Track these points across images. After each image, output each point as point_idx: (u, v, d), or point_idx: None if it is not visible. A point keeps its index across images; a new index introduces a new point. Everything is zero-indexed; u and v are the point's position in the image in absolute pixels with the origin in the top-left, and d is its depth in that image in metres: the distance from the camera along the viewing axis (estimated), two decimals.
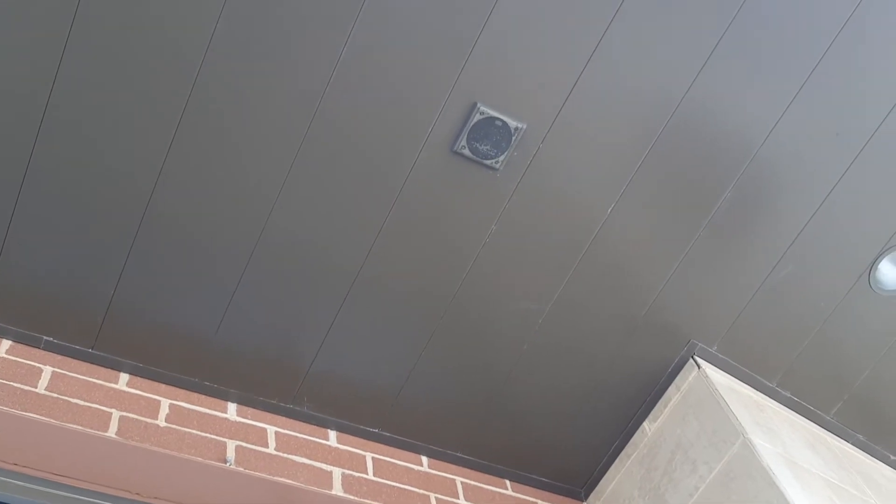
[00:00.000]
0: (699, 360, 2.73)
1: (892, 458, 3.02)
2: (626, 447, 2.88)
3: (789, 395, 2.86)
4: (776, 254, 2.59)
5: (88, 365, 2.35)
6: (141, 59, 1.98)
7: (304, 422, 2.60)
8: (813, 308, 2.71)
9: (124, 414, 2.25)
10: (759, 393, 2.81)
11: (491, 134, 2.24)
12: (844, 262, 2.64)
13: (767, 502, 2.27)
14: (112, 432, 2.17)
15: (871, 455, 3.00)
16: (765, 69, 2.26)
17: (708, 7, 2.15)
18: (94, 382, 2.30)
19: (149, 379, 2.42)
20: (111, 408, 2.25)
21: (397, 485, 2.58)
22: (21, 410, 2.08)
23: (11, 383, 2.15)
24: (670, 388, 2.78)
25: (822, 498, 2.37)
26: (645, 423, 2.84)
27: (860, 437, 2.97)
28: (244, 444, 2.38)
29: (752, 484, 2.34)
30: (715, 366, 2.76)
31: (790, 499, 2.23)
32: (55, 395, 2.19)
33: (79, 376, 2.30)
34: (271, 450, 2.42)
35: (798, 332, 2.75)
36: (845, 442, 2.96)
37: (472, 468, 2.83)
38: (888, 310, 2.73)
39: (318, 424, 2.62)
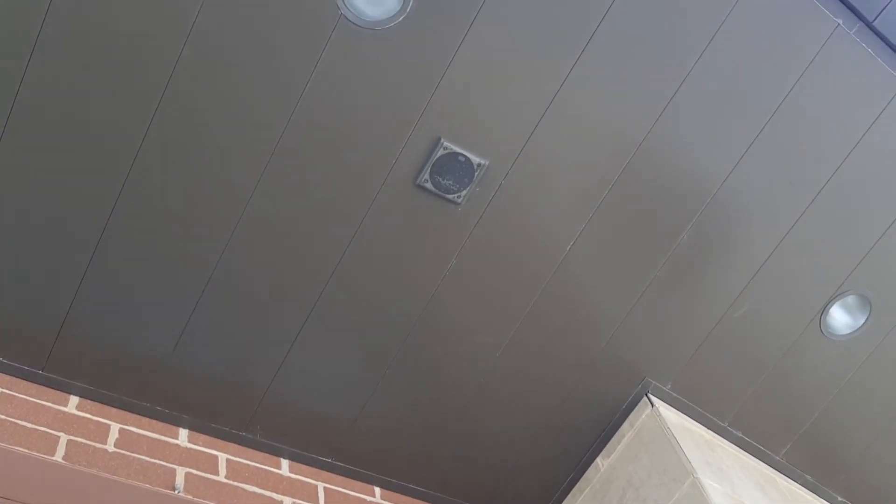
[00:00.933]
0: (653, 398, 2.76)
1: (840, 499, 3.07)
2: (580, 482, 2.89)
3: (740, 435, 2.89)
4: (731, 295, 2.64)
5: (38, 386, 2.31)
6: (103, 80, 1.98)
7: (256, 449, 2.58)
8: (765, 350, 2.76)
9: (72, 438, 2.21)
10: (710, 432, 2.84)
11: (454, 169, 2.26)
12: (797, 306, 2.69)
13: None
14: (59, 456, 2.13)
15: (819, 496, 3.05)
16: (722, 117, 2.32)
17: (667, 57, 2.20)
18: (43, 404, 2.27)
19: (99, 402, 2.38)
20: (59, 431, 2.21)
21: None
22: None
23: None
24: (624, 425, 2.80)
25: None
26: (598, 459, 2.85)
27: (808, 477, 3.02)
28: (194, 472, 2.35)
29: None
30: (668, 404, 2.79)
31: None
32: (2, 417, 2.15)
33: (27, 398, 2.26)
34: (222, 478, 2.39)
35: (750, 373, 2.79)
36: (794, 482, 3.00)
37: (425, 500, 2.82)
38: (838, 354, 2.79)
39: (270, 452, 2.60)
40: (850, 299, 2.69)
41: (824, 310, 2.70)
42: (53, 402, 2.29)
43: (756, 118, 2.34)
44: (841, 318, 2.73)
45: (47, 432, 2.19)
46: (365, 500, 2.67)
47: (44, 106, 1.98)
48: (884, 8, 2.21)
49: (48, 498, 2.04)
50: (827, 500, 3.06)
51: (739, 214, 2.50)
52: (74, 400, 2.35)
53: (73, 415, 2.29)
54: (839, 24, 2.23)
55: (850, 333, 2.75)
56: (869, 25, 2.24)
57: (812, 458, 2.99)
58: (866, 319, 2.72)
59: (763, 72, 2.28)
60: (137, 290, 2.27)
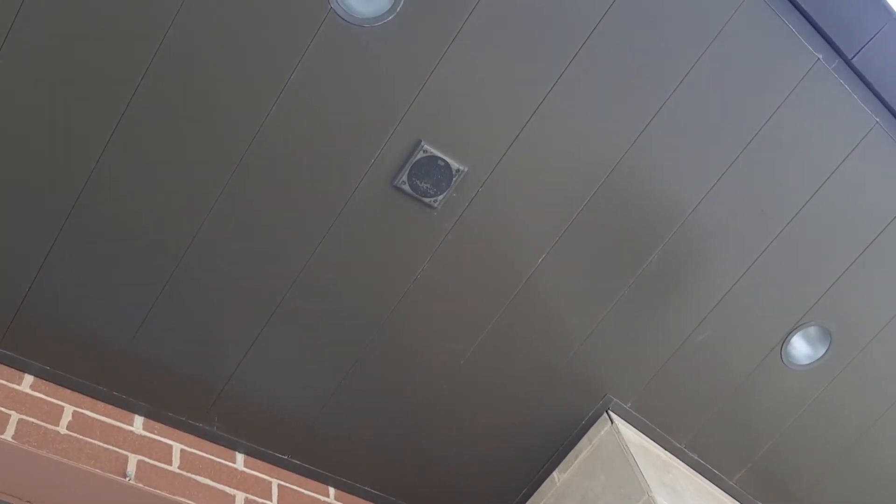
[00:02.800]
0: (613, 416, 2.77)
1: None
2: (534, 495, 2.89)
3: (696, 458, 2.92)
4: (696, 319, 2.67)
5: None
6: (79, 63, 1.95)
7: (211, 441, 2.54)
8: (726, 375, 2.79)
9: (24, 417, 2.17)
10: (667, 453, 2.86)
11: (432, 173, 2.26)
12: (759, 334, 2.72)
13: None
14: (8, 435, 2.08)
15: None
16: (698, 143, 2.35)
17: (648, 81, 2.23)
18: None
19: (54, 383, 2.33)
20: (10, 410, 2.16)
21: None
22: None
23: None
24: (582, 440, 2.81)
25: None
26: (555, 473, 2.86)
27: None
28: (147, 460, 2.31)
29: None
30: (627, 422, 2.80)
31: None
32: None
33: None
34: (174, 468, 2.36)
35: (710, 397, 2.82)
36: None
37: (378, 503, 2.80)
38: (796, 384, 2.83)
39: (226, 445, 2.56)
40: (812, 330, 2.73)
41: (786, 339, 2.74)
42: (7, 380, 2.24)
43: (731, 147, 2.37)
44: (802, 348, 2.77)
45: None
46: (318, 499, 2.64)
47: (15, 87, 1.94)
48: (863, 46, 2.26)
49: None
50: None
51: (708, 241, 2.53)
52: (29, 379, 2.30)
53: (27, 394, 2.25)
54: (819, 59, 2.27)
55: (809, 364, 2.79)
56: (848, 62, 2.29)
57: (765, 485, 3.02)
58: (826, 351, 2.76)
59: (741, 101, 2.31)
60: (102, 273, 2.24)
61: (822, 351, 2.76)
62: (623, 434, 2.70)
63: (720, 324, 2.68)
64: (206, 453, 2.49)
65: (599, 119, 2.27)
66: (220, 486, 2.41)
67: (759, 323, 2.70)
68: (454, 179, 2.28)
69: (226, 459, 2.52)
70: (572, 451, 2.82)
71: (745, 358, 2.77)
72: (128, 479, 2.20)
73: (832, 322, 2.72)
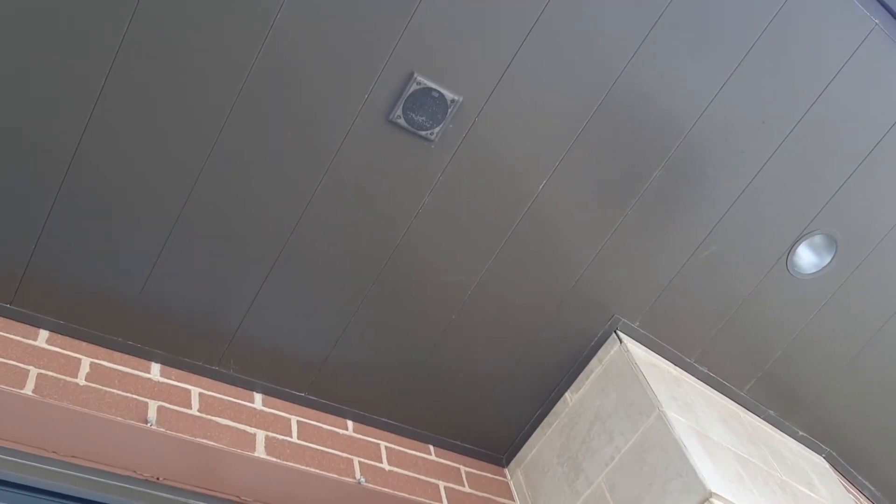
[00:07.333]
0: (621, 335, 2.81)
1: (800, 433, 3.17)
2: (548, 416, 2.95)
3: (706, 371, 2.96)
4: (700, 234, 2.67)
5: (6, 320, 2.29)
6: (64, 20, 1.92)
7: (229, 384, 2.59)
8: (733, 288, 2.80)
9: (42, 371, 2.21)
10: (677, 368, 2.90)
11: (427, 105, 2.24)
12: (765, 244, 2.73)
13: (678, 474, 2.37)
14: (29, 390, 2.13)
15: (781, 430, 3.14)
16: (696, 55, 2.31)
17: None
18: (12, 338, 2.25)
19: (69, 336, 2.37)
20: (28, 365, 2.20)
21: (321, 448, 2.60)
22: None
23: None
24: (592, 361, 2.85)
25: (730, 471, 2.48)
26: (567, 394, 2.91)
27: (771, 412, 3.10)
28: (166, 405, 2.36)
29: (664, 455, 2.43)
30: (636, 340, 2.84)
31: (699, 471, 2.32)
32: None
33: None
34: (194, 411, 2.41)
35: (717, 310, 2.84)
36: (757, 417, 3.09)
37: (396, 433, 2.87)
38: (803, 293, 2.84)
39: (243, 387, 2.62)
40: (817, 238, 2.73)
41: (791, 249, 2.74)
42: (22, 336, 2.28)
43: (729, 58, 2.33)
44: (807, 256, 2.77)
45: (16, 366, 2.18)
46: (337, 433, 2.70)
47: (6, 52, 1.92)
48: None
49: (18, 430, 2.04)
50: (788, 434, 3.15)
51: (711, 153, 2.51)
52: (44, 334, 2.33)
53: (43, 349, 2.29)
54: None
55: (815, 272, 2.79)
56: None
57: (775, 393, 3.07)
58: (832, 259, 2.76)
59: (736, 9, 2.26)
60: (105, 226, 2.25)
61: (827, 259, 2.77)
62: (632, 352, 2.74)
63: (725, 237, 2.68)
64: (225, 395, 2.54)
65: (595, 37, 2.23)
66: (241, 426, 2.47)
67: (764, 234, 2.71)
68: (450, 110, 2.26)
69: (244, 400, 2.58)
70: (583, 372, 2.87)
71: (752, 270, 2.78)
72: (149, 424, 2.26)
73: (837, 229, 2.71)
